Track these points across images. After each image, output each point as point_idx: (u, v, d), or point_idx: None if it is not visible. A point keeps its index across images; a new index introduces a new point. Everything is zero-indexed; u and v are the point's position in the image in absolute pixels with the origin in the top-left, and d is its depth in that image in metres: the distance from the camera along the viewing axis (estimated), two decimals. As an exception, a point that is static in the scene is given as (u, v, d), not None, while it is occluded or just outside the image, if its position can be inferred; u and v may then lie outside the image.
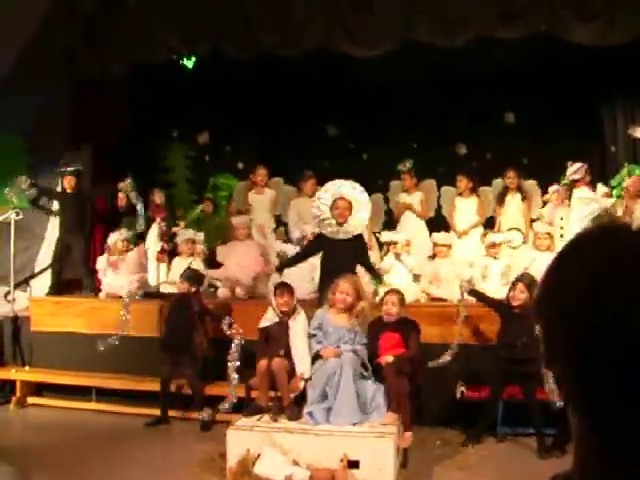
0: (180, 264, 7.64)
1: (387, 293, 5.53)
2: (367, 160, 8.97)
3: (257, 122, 8.83)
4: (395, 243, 7.11)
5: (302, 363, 5.18)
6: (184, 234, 7.74)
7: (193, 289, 6.46)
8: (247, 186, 8.29)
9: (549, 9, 6.85)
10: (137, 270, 7.55)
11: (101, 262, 7.68)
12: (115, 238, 7.54)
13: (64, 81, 8.20)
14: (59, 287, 7.84)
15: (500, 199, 7.72)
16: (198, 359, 6.25)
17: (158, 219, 8.07)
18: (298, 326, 5.43)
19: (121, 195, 7.74)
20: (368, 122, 8.58)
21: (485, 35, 7.10)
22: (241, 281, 7.18)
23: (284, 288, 5.56)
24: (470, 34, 7.12)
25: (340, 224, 5.69)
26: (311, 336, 5.15)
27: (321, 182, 7.81)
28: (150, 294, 6.93)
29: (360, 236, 5.85)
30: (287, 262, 6.45)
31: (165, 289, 7.53)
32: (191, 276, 6.51)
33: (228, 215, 8.31)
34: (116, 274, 7.51)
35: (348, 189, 5.74)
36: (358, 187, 5.79)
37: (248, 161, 8.76)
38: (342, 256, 5.58)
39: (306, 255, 6.19)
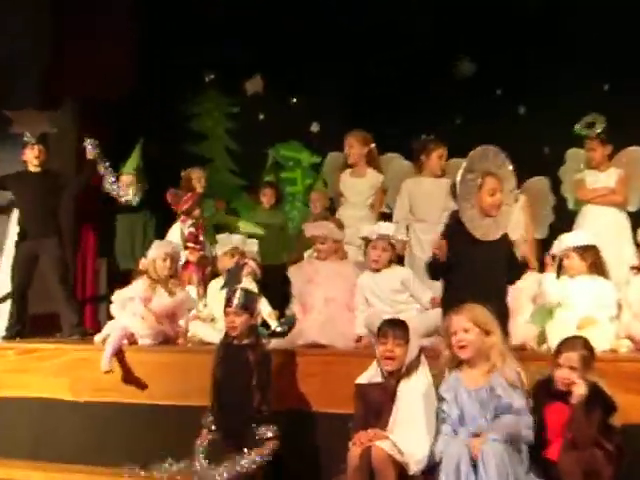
0: (217, 287, 5.32)
1: (564, 346, 4.15)
2: (525, 117, 7.01)
3: (340, 54, 6.79)
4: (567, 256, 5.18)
5: (413, 447, 4.05)
6: (229, 241, 5.58)
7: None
8: (340, 164, 6.14)
9: None
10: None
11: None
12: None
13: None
14: (23, 327, 6.01)
15: None
16: None
17: (182, 215, 6.01)
18: (412, 390, 4.20)
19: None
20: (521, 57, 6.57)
21: None
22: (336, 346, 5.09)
23: (391, 329, 4.37)
24: None
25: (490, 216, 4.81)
26: (440, 400, 4.27)
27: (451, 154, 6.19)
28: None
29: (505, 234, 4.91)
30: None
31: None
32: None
33: (314, 213, 6.22)
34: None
35: (493, 161, 4.76)
36: (503, 156, 4.80)
37: (328, 120, 7.14)
38: (485, 266, 4.55)
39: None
